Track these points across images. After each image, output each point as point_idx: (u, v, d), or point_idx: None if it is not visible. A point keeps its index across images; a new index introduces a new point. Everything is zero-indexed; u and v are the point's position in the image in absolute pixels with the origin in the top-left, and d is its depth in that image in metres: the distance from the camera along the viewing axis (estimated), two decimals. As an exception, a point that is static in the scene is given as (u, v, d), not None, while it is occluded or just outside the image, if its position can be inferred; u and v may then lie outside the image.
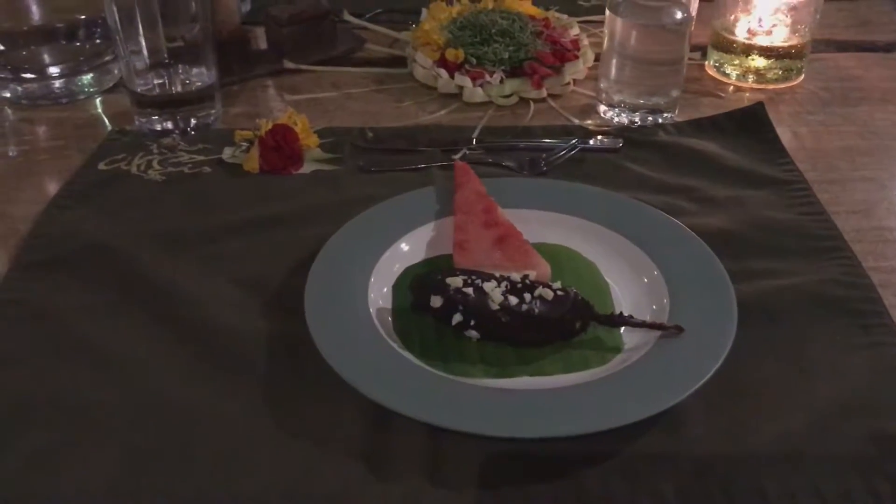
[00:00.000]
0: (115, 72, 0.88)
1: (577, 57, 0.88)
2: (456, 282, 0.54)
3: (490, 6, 0.94)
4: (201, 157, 0.76)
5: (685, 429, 0.50)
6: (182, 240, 0.65)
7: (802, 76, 0.91)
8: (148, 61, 0.76)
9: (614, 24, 0.79)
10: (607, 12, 0.79)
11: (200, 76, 0.79)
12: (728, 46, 0.90)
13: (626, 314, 0.55)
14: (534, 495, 0.46)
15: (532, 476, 0.47)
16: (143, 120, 0.79)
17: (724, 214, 0.68)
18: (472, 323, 0.53)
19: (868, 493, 0.47)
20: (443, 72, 0.86)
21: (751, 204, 0.70)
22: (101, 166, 0.75)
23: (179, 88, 0.78)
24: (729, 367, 0.51)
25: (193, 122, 0.79)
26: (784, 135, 0.79)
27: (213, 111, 0.81)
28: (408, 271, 0.61)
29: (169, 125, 0.79)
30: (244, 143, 0.77)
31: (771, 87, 0.89)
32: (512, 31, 0.87)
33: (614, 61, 0.80)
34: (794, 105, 0.86)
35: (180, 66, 0.78)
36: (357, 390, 0.49)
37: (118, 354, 0.55)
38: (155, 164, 0.75)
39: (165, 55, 0.76)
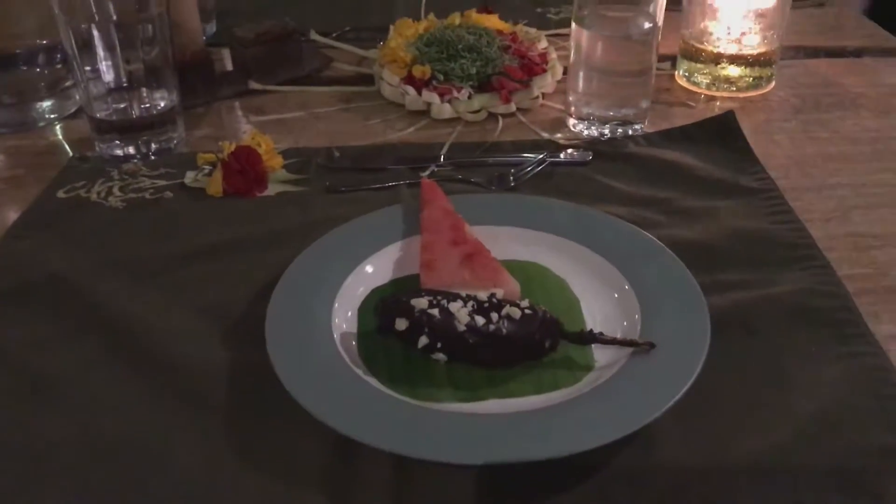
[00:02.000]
0: (76, 97, 0.86)
1: (545, 70, 0.88)
2: (421, 303, 0.52)
3: (457, 22, 0.93)
4: (163, 182, 0.74)
5: (661, 446, 0.48)
6: (142, 268, 0.64)
7: (773, 83, 0.90)
8: (107, 86, 0.75)
9: (580, 37, 0.78)
10: (573, 25, 0.78)
11: (161, 99, 0.78)
12: (697, 55, 0.89)
13: (596, 331, 0.53)
14: (505, 523, 0.45)
15: (506, 500, 0.46)
16: (104, 146, 0.77)
17: (697, 226, 0.67)
18: (439, 345, 0.52)
19: (849, 508, 0.45)
20: (410, 89, 0.85)
21: (723, 214, 0.69)
22: (60, 194, 0.73)
23: (140, 112, 0.77)
24: (705, 380, 0.49)
25: (155, 146, 0.78)
26: (756, 142, 0.78)
27: (174, 135, 0.79)
28: (374, 293, 0.59)
29: (130, 150, 0.77)
30: (207, 167, 0.75)
31: (742, 95, 0.89)
32: (479, 47, 0.86)
33: (582, 74, 0.79)
34: (765, 112, 0.86)
35: (140, 89, 0.76)
36: (318, 420, 0.47)
37: (74, 389, 0.53)
38: (115, 190, 0.73)
39: (125, 79, 0.75)
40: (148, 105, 0.77)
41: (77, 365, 0.55)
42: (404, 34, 0.90)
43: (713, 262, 0.62)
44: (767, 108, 0.87)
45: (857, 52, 0.98)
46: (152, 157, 0.77)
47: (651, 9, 0.76)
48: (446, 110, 0.83)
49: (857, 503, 0.45)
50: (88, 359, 0.55)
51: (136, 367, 0.54)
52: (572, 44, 0.79)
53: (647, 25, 0.76)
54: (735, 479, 0.47)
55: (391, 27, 0.99)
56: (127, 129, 0.77)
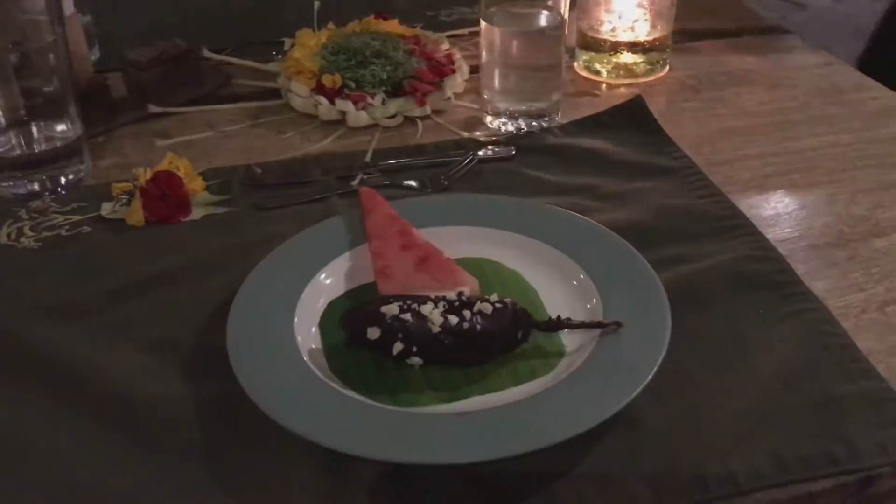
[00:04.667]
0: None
1: (453, 71, 0.88)
2: (392, 309, 0.51)
3: (357, 29, 0.92)
4: (78, 217, 0.70)
5: (642, 424, 0.50)
6: (74, 310, 0.60)
7: (668, 67, 0.94)
8: (4, 121, 0.70)
9: (491, 34, 0.79)
10: (482, 23, 0.79)
11: (64, 131, 0.73)
12: (596, 45, 0.92)
13: (562, 317, 0.54)
14: (506, 516, 0.45)
15: (504, 497, 0.46)
16: (7, 184, 0.72)
17: (627, 208, 0.69)
18: (415, 349, 0.51)
19: (825, 457, 0.48)
20: (322, 99, 0.83)
21: (650, 194, 0.71)
22: (-35, 241, 0.68)
23: (43, 146, 0.72)
24: (668, 355, 0.51)
25: (63, 180, 0.73)
26: (664, 124, 0.81)
27: (81, 167, 0.75)
28: (331, 307, 0.58)
29: (36, 187, 0.72)
30: (124, 196, 0.71)
31: (641, 80, 0.92)
32: (386, 51, 0.86)
33: (496, 71, 0.80)
34: (666, 95, 0.89)
35: (41, 122, 0.72)
36: (309, 440, 0.46)
37: (27, 450, 0.49)
38: (27, 230, 0.69)
39: (23, 112, 0.70)
40: (50, 138, 0.72)
41: (30, 421, 0.51)
42: (307, 44, 0.89)
43: (650, 240, 0.64)
44: (667, 91, 0.91)
45: (737, 33, 1.03)
46: (61, 192, 0.73)
47: (555, 3, 0.78)
48: (363, 118, 0.83)
49: (831, 449, 0.48)
50: (41, 412, 0.51)
51: (93, 413, 0.51)
52: (483, 42, 0.80)
53: (553, 19, 0.78)
54: (719, 443, 0.48)
55: (286, 39, 0.97)
56: (29, 164, 0.72)
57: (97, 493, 0.46)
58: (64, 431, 0.50)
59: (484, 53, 0.80)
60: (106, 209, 0.71)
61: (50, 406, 0.52)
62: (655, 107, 0.85)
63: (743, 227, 0.66)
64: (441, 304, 0.52)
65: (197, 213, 0.71)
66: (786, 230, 0.67)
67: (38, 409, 0.52)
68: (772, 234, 0.66)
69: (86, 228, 0.69)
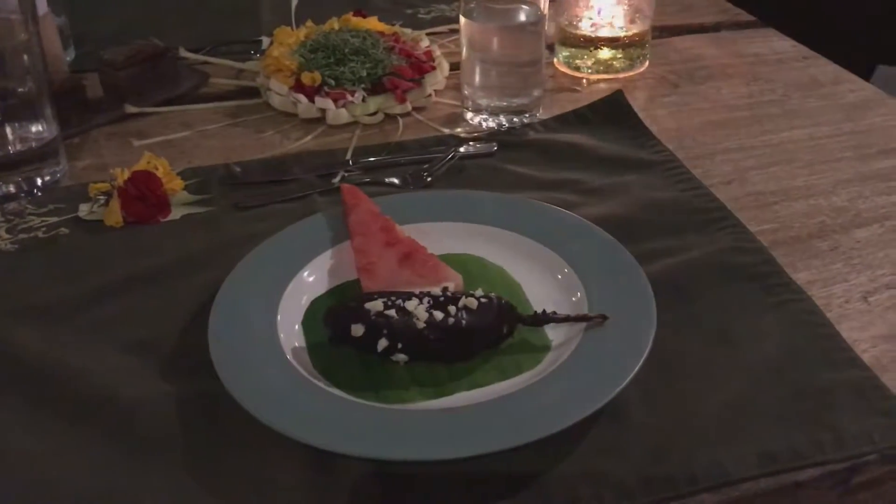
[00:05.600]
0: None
1: (434, 68, 0.88)
2: (376, 306, 0.51)
3: (335, 27, 0.92)
4: (55, 219, 0.69)
5: (630, 417, 0.50)
6: (54, 312, 0.59)
7: (647, 62, 0.94)
8: (-24, 122, 0.69)
9: (471, 30, 0.78)
10: (462, 19, 0.79)
11: (39, 132, 0.72)
12: (575, 41, 0.92)
13: (548, 311, 0.54)
14: (497, 511, 0.45)
15: (493, 494, 0.45)
16: (-20, 187, 0.71)
17: (611, 202, 0.69)
18: (400, 346, 0.51)
19: (812, 445, 0.48)
20: (301, 97, 0.83)
21: (633, 188, 0.71)
22: (-61, 244, 0.66)
23: (18, 147, 0.71)
24: (654, 347, 0.51)
25: (39, 182, 0.72)
26: (645, 119, 0.82)
27: (58, 168, 0.74)
28: (314, 305, 0.57)
29: (11, 189, 0.71)
30: (102, 197, 0.70)
31: (621, 75, 0.92)
32: (365, 49, 0.85)
33: (476, 67, 0.80)
34: (646, 90, 0.89)
35: (15, 123, 0.71)
36: (295, 440, 0.45)
37: (6, 451, 0.48)
38: (3, 233, 0.67)
39: (-4, 112, 0.69)
40: (25, 138, 0.71)
41: (9, 423, 0.50)
42: (285, 42, 0.88)
43: (634, 234, 0.64)
44: (646, 86, 0.91)
45: (715, 27, 1.04)
46: (37, 194, 0.72)
47: (534, -2, 0.78)
48: (343, 115, 0.82)
49: (818, 438, 0.48)
50: (17, 417, 0.50)
51: (76, 415, 0.50)
52: (463, 38, 0.79)
53: (533, 15, 0.78)
54: (707, 435, 0.48)
55: (264, 38, 0.96)
56: (4, 166, 0.71)
57: (78, 495, 0.45)
58: (44, 433, 0.49)
59: (464, 49, 0.80)
60: (84, 210, 0.70)
61: (30, 408, 0.51)
62: (635, 102, 0.85)
63: (726, 220, 0.66)
64: (426, 299, 0.52)
65: (176, 213, 0.70)
66: (767, 222, 0.67)
67: (17, 411, 0.51)
68: (754, 227, 0.66)
69: (63, 230, 0.68)
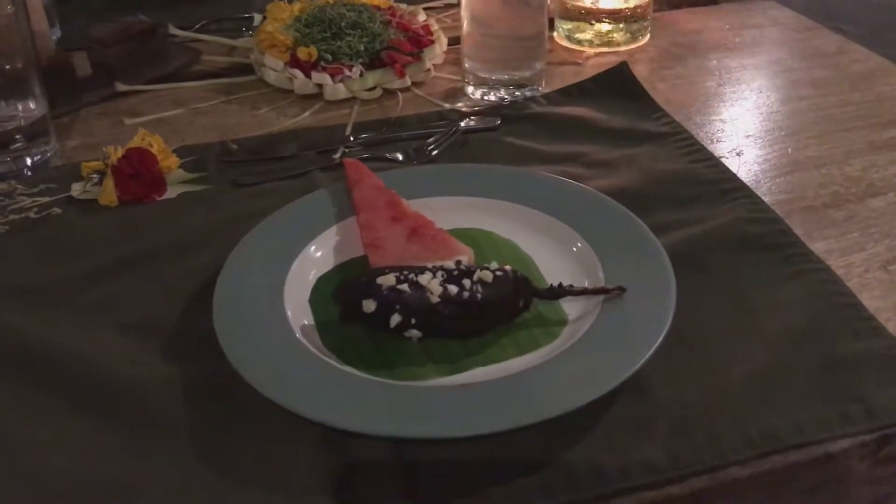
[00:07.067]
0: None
1: (432, 42, 0.86)
2: (388, 280, 0.49)
3: (330, 1, 0.89)
4: (47, 199, 0.67)
5: (652, 390, 0.48)
6: (49, 293, 0.57)
7: (648, 35, 0.93)
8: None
9: (473, 2, 0.76)
10: (463, -9, 0.77)
11: (28, 110, 0.70)
12: (576, 14, 0.90)
13: (564, 285, 0.52)
14: (522, 489, 0.43)
15: (516, 470, 0.44)
16: (-32, 167, 0.68)
17: (619, 174, 0.68)
18: (413, 321, 0.49)
19: (841, 416, 0.46)
20: (297, 72, 0.80)
21: (641, 160, 0.69)
22: (-72, 227, 0.64)
23: (7, 126, 0.68)
24: (674, 320, 0.49)
25: (28, 161, 0.70)
26: (650, 91, 0.80)
27: (48, 147, 0.71)
28: (321, 282, 0.55)
29: (0, 169, 0.69)
30: (95, 176, 0.68)
31: (623, 49, 0.90)
32: (362, 23, 0.83)
33: (478, 40, 0.78)
34: (649, 63, 0.88)
35: (3, 101, 0.68)
36: (310, 420, 0.44)
37: (4, 435, 0.46)
38: (-8, 214, 0.65)
39: (-17, 91, 0.67)
40: (14, 117, 0.69)
41: (6, 407, 0.48)
42: (279, 17, 0.86)
43: (646, 206, 0.62)
44: (649, 58, 0.89)
45: (714, 0, 1.02)
46: (27, 174, 0.69)
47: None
48: (340, 90, 0.80)
49: (847, 409, 0.47)
50: (24, 398, 0.48)
51: (79, 398, 0.48)
52: (465, 11, 0.77)
53: (535, -15, 0.76)
54: (732, 407, 0.47)
55: (256, 15, 0.94)
56: (-7, 145, 0.68)
57: (84, 480, 0.43)
58: (43, 417, 0.47)
59: (465, 22, 0.78)
60: (76, 190, 0.67)
61: (28, 392, 0.49)
62: (638, 74, 0.83)
63: (739, 190, 0.65)
64: (440, 273, 0.50)
65: (172, 192, 0.68)
66: (780, 193, 0.66)
67: (15, 395, 0.49)
68: (767, 197, 0.64)
69: (56, 210, 0.66)
